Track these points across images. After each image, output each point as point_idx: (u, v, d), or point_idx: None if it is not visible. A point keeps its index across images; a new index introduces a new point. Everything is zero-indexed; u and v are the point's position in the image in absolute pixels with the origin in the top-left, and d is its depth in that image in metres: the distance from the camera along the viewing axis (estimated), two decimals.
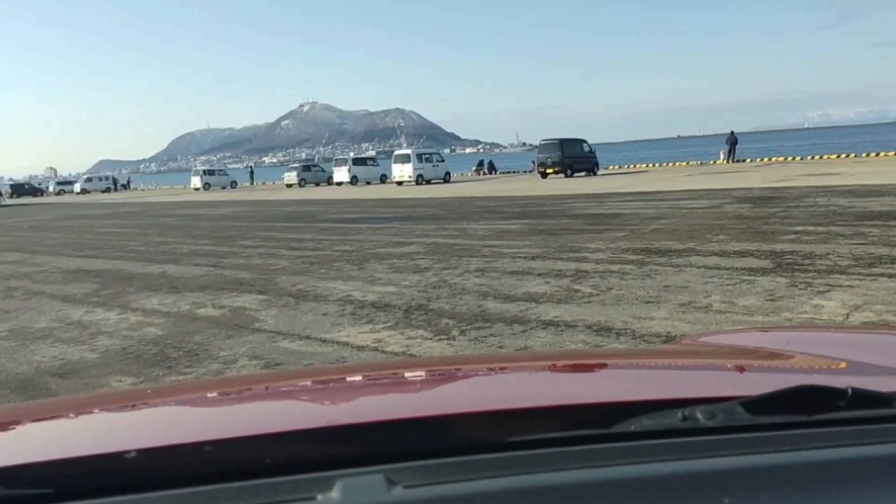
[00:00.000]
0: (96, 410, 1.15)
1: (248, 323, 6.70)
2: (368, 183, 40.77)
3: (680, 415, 0.77)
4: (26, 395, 4.97)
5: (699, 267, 7.89)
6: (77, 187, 63.20)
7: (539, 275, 8.05)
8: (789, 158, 37.60)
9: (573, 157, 33.57)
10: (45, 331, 6.98)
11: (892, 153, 33.13)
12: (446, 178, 37.65)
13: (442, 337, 5.71)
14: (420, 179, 35.69)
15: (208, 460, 0.72)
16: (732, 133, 37.11)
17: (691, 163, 40.61)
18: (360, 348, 5.54)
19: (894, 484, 0.69)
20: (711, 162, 38.89)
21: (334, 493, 0.65)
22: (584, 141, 35.14)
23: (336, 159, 45.84)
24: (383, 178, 41.21)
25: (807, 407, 0.77)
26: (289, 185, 44.96)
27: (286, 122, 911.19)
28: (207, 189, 50.08)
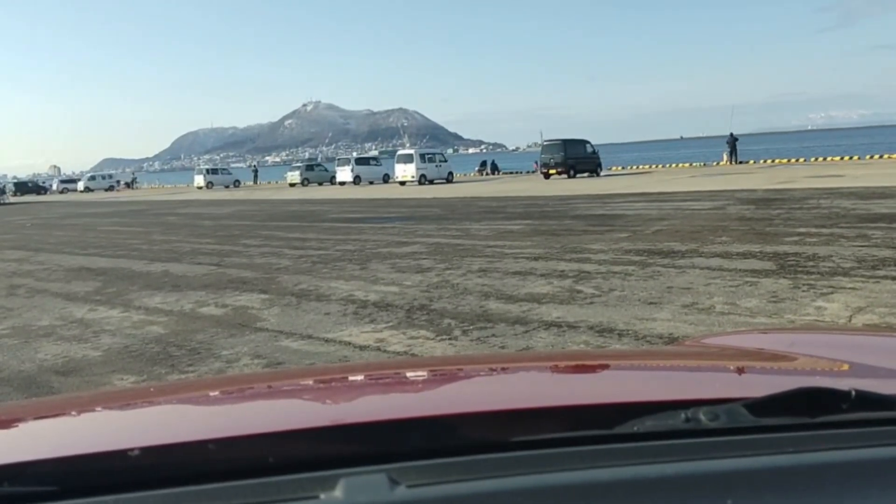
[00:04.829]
0: (99, 408, 1.16)
1: (250, 322, 6.71)
2: (371, 183, 40.77)
3: (683, 416, 0.77)
4: (29, 392, 4.98)
5: (702, 268, 7.88)
6: (80, 185, 63.25)
7: (541, 275, 8.05)
8: (792, 160, 37.55)
9: (576, 157, 33.56)
10: (47, 329, 6.99)
11: (895, 155, 33.06)
12: (449, 179, 37.64)
13: (444, 337, 5.71)
14: (423, 179, 35.68)
15: (211, 458, 0.72)
16: (731, 134, 37.08)
17: (694, 164, 40.57)
18: (363, 348, 5.54)
19: None
20: (714, 163, 38.86)
21: (337, 492, 0.65)
22: (587, 142, 35.14)
23: (339, 159, 45.83)
24: (386, 178, 41.22)
25: (810, 409, 0.77)
26: (292, 185, 45.01)
27: (289, 121, 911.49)
28: (210, 188, 50.15)
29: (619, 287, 7.15)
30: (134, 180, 72.28)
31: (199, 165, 65.48)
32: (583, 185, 26.39)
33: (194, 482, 0.68)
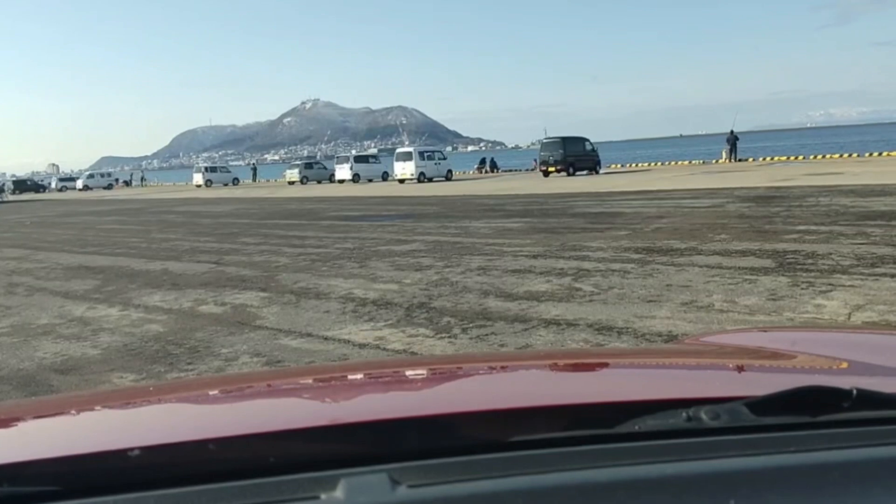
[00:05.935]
0: (99, 408, 1.15)
1: (249, 320, 6.71)
2: (370, 180, 40.77)
3: (684, 415, 0.76)
4: (28, 391, 4.97)
5: (701, 266, 7.88)
6: (79, 184, 63.27)
7: (540, 273, 8.05)
8: (792, 158, 37.57)
9: (575, 155, 33.56)
10: (46, 327, 6.98)
11: (895, 153, 33.08)
12: (448, 176, 37.61)
13: (443, 335, 5.71)
14: (422, 177, 35.67)
15: (212, 458, 0.72)
16: (732, 132, 37.07)
17: (694, 162, 40.58)
18: (362, 346, 5.54)
19: None
20: (714, 161, 38.87)
21: (338, 493, 0.65)
22: (587, 139, 35.12)
23: (338, 157, 45.84)
24: (385, 176, 41.20)
25: (811, 408, 0.76)
26: (290, 183, 45.01)
27: (288, 119, 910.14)
28: (209, 186, 50.12)
29: (619, 285, 7.15)
30: (143, 178, 72.03)
31: (197, 163, 65.40)
32: (582, 183, 26.38)
33: (194, 482, 0.67)
